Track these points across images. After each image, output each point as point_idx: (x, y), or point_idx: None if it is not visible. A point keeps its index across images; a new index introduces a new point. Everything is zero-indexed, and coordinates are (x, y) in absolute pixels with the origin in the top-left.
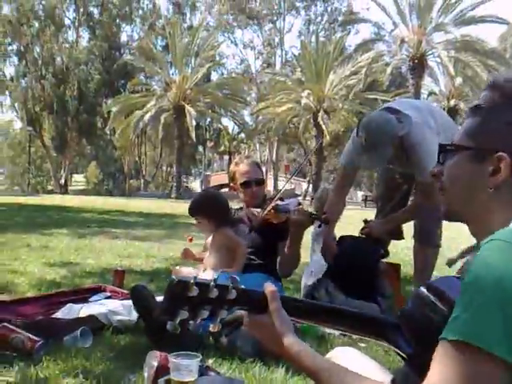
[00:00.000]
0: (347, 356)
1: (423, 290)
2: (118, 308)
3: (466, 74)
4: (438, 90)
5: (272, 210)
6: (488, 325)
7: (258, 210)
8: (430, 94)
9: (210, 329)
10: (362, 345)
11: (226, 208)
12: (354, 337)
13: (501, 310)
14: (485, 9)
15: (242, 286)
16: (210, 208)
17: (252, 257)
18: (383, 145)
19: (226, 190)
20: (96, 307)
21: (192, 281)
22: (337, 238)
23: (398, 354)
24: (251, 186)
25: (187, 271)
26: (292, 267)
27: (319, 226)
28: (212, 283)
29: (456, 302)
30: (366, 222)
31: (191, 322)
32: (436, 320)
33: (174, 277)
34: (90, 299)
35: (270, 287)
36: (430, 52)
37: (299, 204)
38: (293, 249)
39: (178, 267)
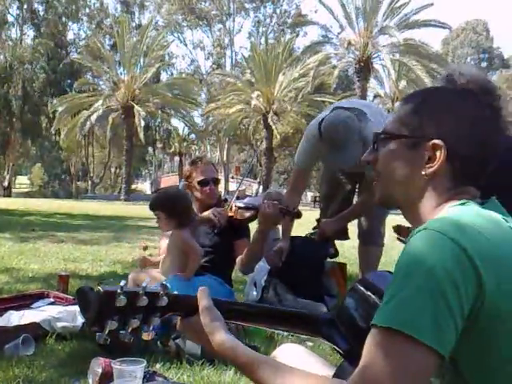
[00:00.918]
0: (292, 353)
1: (358, 285)
2: (61, 314)
3: (410, 76)
4: (383, 93)
5: (236, 208)
6: (417, 313)
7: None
8: (376, 96)
9: (143, 337)
10: (310, 343)
11: (188, 208)
12: (302, 336)
13: (431, 298)
14: (427, 14)
15: (175, 292)
16: (171, 206)
17: (205, 258)
18: (353, 142)
19: None
20: (39, 314)
21: (119, 290)
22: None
23: (336, 350)
24: (209, 185)
25: (144, 278)
26: (255, 263)
27: (291, 220)
28: (141, 291)
29: (386, 289)
30: (318, 221)
31: (122, 332)
32: (371, 313)
33: (99, 287)
34: (33, 305)
35: (201, 288)
36: (375, 55)
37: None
38: (259, 244)
39: (133, 274)
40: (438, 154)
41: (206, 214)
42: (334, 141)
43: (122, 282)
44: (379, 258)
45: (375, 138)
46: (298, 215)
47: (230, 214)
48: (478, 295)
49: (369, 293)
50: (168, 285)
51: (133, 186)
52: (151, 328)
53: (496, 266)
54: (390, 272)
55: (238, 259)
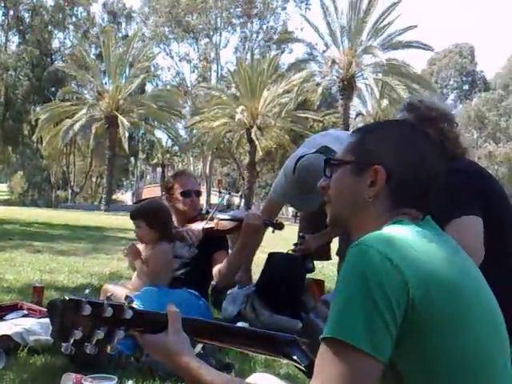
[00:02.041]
0: (263, 380)
1: (320, 305)
2: (34, 327)
3: (392, 96)
4: (366, 111)
5: (217, 219)
6: (352, 322)
7: (195, 226)
8: (358, 114)
9: (107, 350)
10: (284, 361)
11: (169, 220)
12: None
13: (362, 307)
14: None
15: (139, 307)
16: (154, 215)
17: (180, 269)
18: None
19: None
20: (11, 326)
21: (84, 299)
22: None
23: (298, 368)
24: (191, 196)
25: (118, 290)
26: (233, 276)
27: (272, 232)
28: (106, 302)
29: (330, 304)
30: (302, 237)
31: (87, 343)
32: None
33: (65, 296)
34: (6, 317)
35: (172, 308)
36: (359, 74)
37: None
38: (240, 255)
39: (106, 286)
40: (378, 177)
41: (179, 234)
42: (304, 183)
43: (87, 291)
44: None
45: (326, 165)
46: (281, 226)
47: (211, 225)
48: (407, 303)
49: (325, 308)
50: (133, 297)
51: (114, 197)
52: (115, 341)
53: (423, 275)
54: None
55: (216, 270)
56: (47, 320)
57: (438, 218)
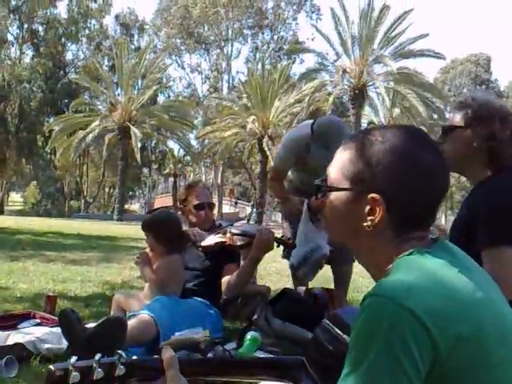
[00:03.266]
0: None
1: (327, 322)
2: (47, 336)
3: (404, 105)
4: (377, 120)
5: (230, 234)
6: (376, 383)
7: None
8: (370, 123)
9: None
10: None
11: (177, 233)
12: None
13: (387, 369)
14: (425, 43)
15: (133, 357)
16: (161, 230)
17: (192, 280)
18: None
19: None
20: (24, 335)
21: (70, 367)
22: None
23: None
24: (204, 209)
25: (128, 301)
26: (241, 289)
27: (283, 251)
28: (94, 364)
29: (346, 357)
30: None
31: None
32: (341, 350)
33: (51, 366)
34: (19, 326)
35: (167, 353)
36: (370, 83)
37: (256, 230)
38: (250, 271)
39: (117, 295)
40: (377, 207)
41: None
42: (327, 136)
43: (73, 359)
44: (351, 273)
45: (319, 186)
46: (292, 245)
47: (223, 239)
48: (434, 358)
49: (337, 332)
50: (123, 354)
51: (126, 206)
52: None
53: (449, 322)
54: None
55: (224, 281)
56: (59, 329)
57: (477, 238)
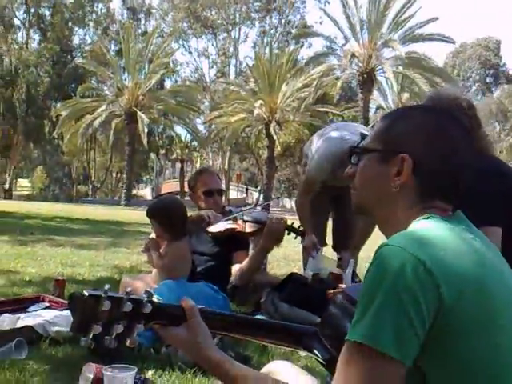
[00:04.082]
0: (280, 369)
1: (340, 297)
2: (56, 318)
3: (413, 89)
4: (386, 105)
5: (242, 221)
6: (381, 328)
7: (218, 225)
8: (378, 108)
9: (127, 344)
10: (303, 354)
11: (183, 219)
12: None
13: (393, 313)
14: (434, 27)
15: (159, 300)
16: (164, 216)
17: (201, 264)
18: None
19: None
20: (33, 318)
21: (103, 294)
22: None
23: (318, 361)
24: (213, 196)
25: (136, 284)
26: (252, 276)
27: (295, 238)
28: (125, 297)
29: (357, 305)
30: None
31: (106, 337)
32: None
33: (85, 291)
34: (28, 309)
35: (187, 302)
36: (379, 67)
37: (267, 217)
38: (260, 258)
39: (125, 278)
40: (405, 167)
41: (198, 213)
42: None
43: (107, 286)
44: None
45: (351, 153)
46: (303, 233)
47: (234, 226)
48: (438, 307)
49: (348, 304)
50: (153, 292)
51: (133, 192)
52: (135, 335)
53: (456, 280)
54: None
55: (235, 270)
56: (68, 312)
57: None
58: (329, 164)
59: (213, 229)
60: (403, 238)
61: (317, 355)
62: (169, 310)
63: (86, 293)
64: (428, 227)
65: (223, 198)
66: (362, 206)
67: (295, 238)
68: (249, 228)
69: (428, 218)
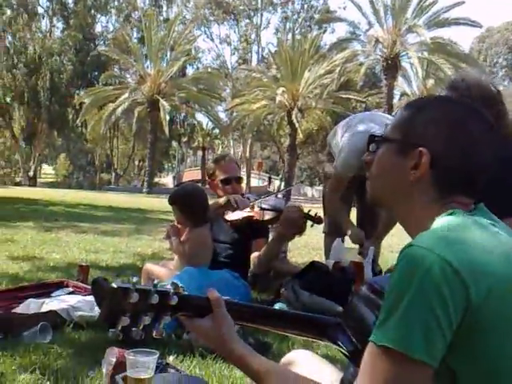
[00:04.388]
0: (301, 359)
1: (364, 288)
2: (80, 303)
3: (438, 75)
4: (411, 91)
5: (259, 208)
6: (409, 331)
7: (236, 213)
8: (403, 94)
9: (154, 335)
10: (322, 342)
11: (203, 206)
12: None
13: (421, 316)
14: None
15: (185, 292)
16: (185, 203)
17: (221, 252)
18: None
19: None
20: (58, 302)
21: (132, 287)
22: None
23: (341, 352)
24: (231, 183)
25: (158, 270)
26: (269, 264)
27: (311, 226)
28: (152, 289)
29: (382, 305)
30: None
31: (134, 328)
32: (376, 316)
33: (113, 284)
34: (53, 294)
35: (213, 294)
36: (403, 53)
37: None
38: (277, 246)
39: (147, 265)
40: (422, 160)
41: (225, 197)
42: None
43: (135, 279)
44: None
45: (370, 141)
46: (319, 221)
47: (251, 213)
48: (466, 307)
49: (374, 296)
50: (179, 283)
51: (155, 180)
52: (162, 326)
53: (483, 275)
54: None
55: (253, 257)
56: (92, 298)
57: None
58: (356, 161)
59: (231, 217)
60: (429, 238)
61: (341, 347)
62: (195, 302)
63: (114, 285)
64: (453, 224)
65: (243, 185)
66: (377, 198)
67: (312, 225)
68: (266, 216)
69: (452, 213)
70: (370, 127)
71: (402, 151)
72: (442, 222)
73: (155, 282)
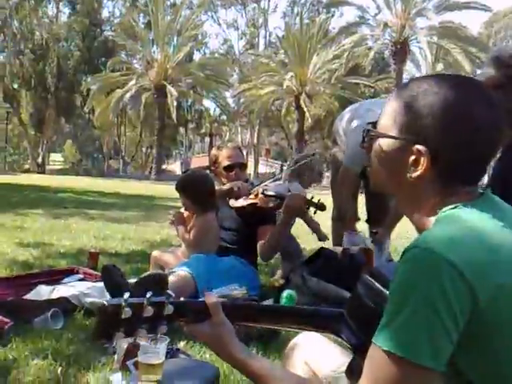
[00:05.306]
0: (308, 341)
1: (368, 277)
2: (90, 290)
3: (448, 60)
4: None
5: (262, 195)
6: (415, 337)
7: (240, 200)
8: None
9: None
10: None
11: (210, 193)
12: None
13: (426, 321)
14: None
15: (181, 299)
16: (191, 189)
17: (228, 239)
18: None
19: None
20: (68, 289)
21: (123, 303)
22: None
23: (346, 345)
24: (234, 170)
25: (166, 257)
26: (275, 251)
27: (314, 212)
28: (145, 302)
29: (385, 308)
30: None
31: (129, 340)
32: (381, 307)
33: (104, 301)
34: (63, 281)
35: (211, 298)
36: (413, 37)
37: (288, 191)
38: (281, 234)
39: (155, 252)
40: (422, 159)
41: (228, 184)
42: None
43: (126, 295)
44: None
45: (366, 133)
46: (322, 208)
47: (254, 200)
48: (472, 309)
49: (379, 285)
50: (172, 293)
51: (163, 166)
52: (159, 335)
53: (489, 276)
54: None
55: (260, 244)
56: (102, 284)
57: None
58: (363, 155)
59: (235, 204)
60: (433, 239)
61: (345, 340)
62: (191, 307)
63: (105, 302)
64: (457, 221)
65: (249, 171)
66: (379, 186)
67: (315, 212)
68: (270, 202)
69: (455, 207)
70: (377, 115)
71: (400, 147)
72: (445, 218)
73: (148, 294)
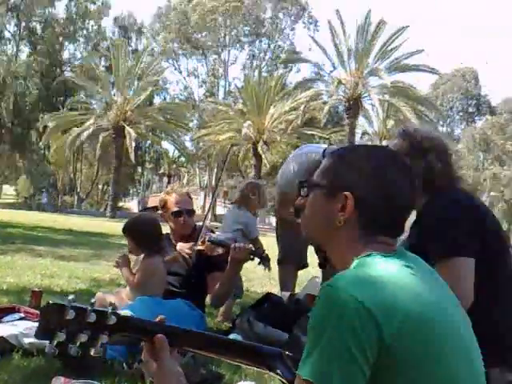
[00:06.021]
0: None
1: (304, 319)
2: (30, 330)
3: (398, 117)
4: (372, 131)
5: (209, 243)
6: (329, 368)
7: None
8: (364, 133)
9: (92, 353)
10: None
11: (156, 236)
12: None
13: (337, 353)
14: (418, 58)
15: (127, 313)
16: (138, 233)
17: (175, 284)
18: None
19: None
20: (7, 328)
21: (68, 304)
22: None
23: (281, 381)
24: (182, 216)
25: (110, 299)
26: (226, 299)
27: (258, 264)
28: (89, 308)
29: (307, 339)
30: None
31: (71, 345)
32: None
33: (49, 300)
34: (3, 319)
35: (159, 338)
36: (365, 94)
37: (235, 240)
38: (229, 283)
39: (99, 294)
40: (348, 204)
41: (172, 256)
42: None
43: (71, 297)
44: None
45: (300, 186)
46: (266, 259)
47: (201, 247)
48: (380, 346)
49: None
50: (130, 312)
51: (120, 204)
52: (99, 345)
53: (396, 317)
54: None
55: (211, 293)
56: None
57: (429, 251)
58: (296, 176)
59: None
60: (344, 280)
61: (280, 375)
62: (135, 324)
63: (50, 301)
64: (368, 266)
65: (193, 218)
66: (311, 237)
67: (259, 263)
68: (215, 250)
69: (369, 255)
70: (307, 150)
71: (330, 195)
72: (359, 263)
73: (92, 300)
